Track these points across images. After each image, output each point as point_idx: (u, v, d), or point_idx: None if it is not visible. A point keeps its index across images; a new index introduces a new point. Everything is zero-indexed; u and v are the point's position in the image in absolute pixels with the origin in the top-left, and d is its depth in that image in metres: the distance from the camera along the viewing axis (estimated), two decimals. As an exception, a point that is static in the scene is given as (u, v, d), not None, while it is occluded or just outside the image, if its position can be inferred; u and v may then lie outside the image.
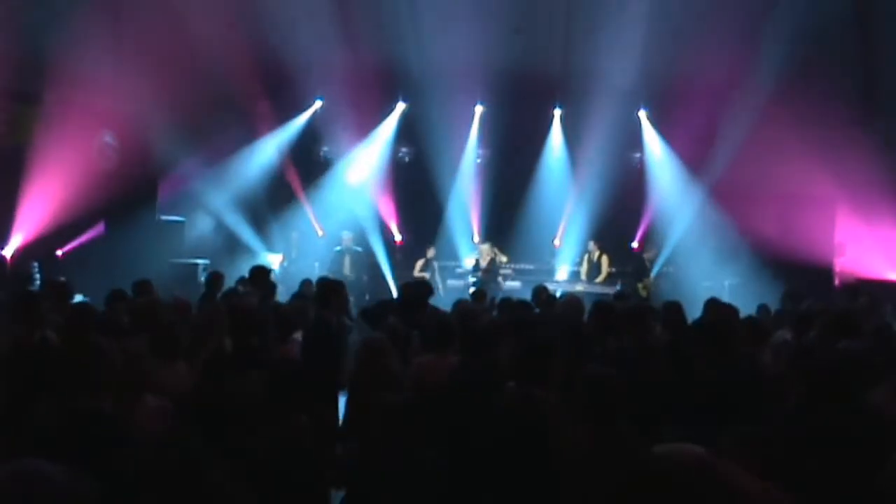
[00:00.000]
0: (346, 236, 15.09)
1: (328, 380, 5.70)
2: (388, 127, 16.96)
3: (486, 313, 7.55)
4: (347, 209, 16.39)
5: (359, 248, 15.30)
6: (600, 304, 7.20)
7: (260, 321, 5.88)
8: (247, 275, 9.20)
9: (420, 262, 15.38)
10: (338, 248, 15.04)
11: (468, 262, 15.70)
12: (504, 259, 15.28)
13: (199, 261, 13.18)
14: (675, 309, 7.08)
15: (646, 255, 15.30)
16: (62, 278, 8.70)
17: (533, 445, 3.91)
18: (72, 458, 2.89)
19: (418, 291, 8.09)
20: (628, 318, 6.21)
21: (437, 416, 4.13)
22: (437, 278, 14.94)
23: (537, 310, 8.21)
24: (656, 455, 2.81)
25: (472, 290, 11.00)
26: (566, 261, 16.21)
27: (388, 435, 3.86)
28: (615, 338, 6.09)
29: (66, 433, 3.19)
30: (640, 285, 14.53)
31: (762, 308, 9.80)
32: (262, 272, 9.03)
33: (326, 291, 7.17)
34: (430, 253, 15.45)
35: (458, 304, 7.87)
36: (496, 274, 14.84)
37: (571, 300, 7.67)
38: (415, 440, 3.84)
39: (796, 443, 3.59)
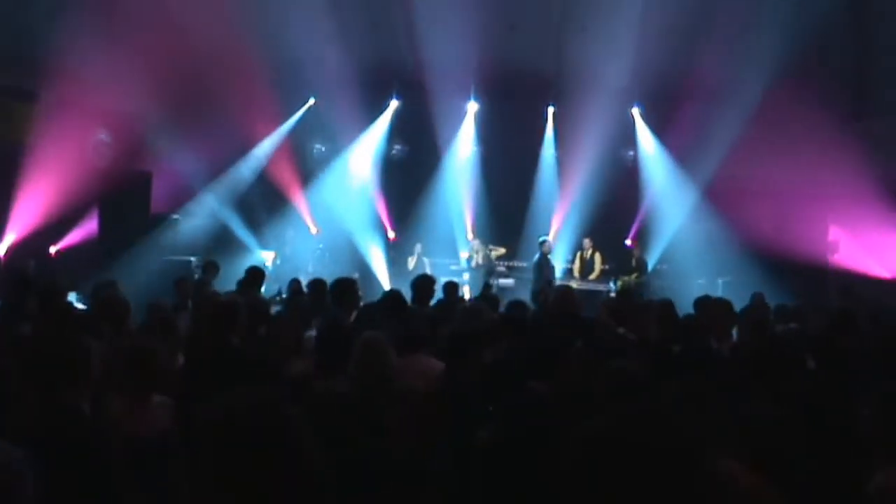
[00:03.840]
0: (546, 245, 14.79)
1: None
2: (382, 124, 16.98)
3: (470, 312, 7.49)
4: (341, 206, 16.42)
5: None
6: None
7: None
8: (243, 273, 9.19)
9: (411, 260, 15.44)
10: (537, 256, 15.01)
11: (463, 256, 15.75)
12: (502, 251, 15.24)
13: (193, 258, 13.16)
14: (667, 306, 7.12)
15: (633, 253, 15.30)
16: (51, 277, 8.68)
17: (537, 445, 3.91)
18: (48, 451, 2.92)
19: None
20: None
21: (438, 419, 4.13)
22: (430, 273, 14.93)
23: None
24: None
25: (464, 286, 10.98)
26: (560, 258, 16.23)
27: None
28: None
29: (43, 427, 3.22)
30: (619, 282, 14.56)
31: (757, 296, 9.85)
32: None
33: (340, 289, 7.22)
34: (418, 249, 15.52)
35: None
36: (490, 270, 14.85)
37: (564, 292, 7.63)
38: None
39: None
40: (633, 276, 14.65)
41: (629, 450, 2.32)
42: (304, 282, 9.75)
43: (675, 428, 2.51)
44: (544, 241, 14.41)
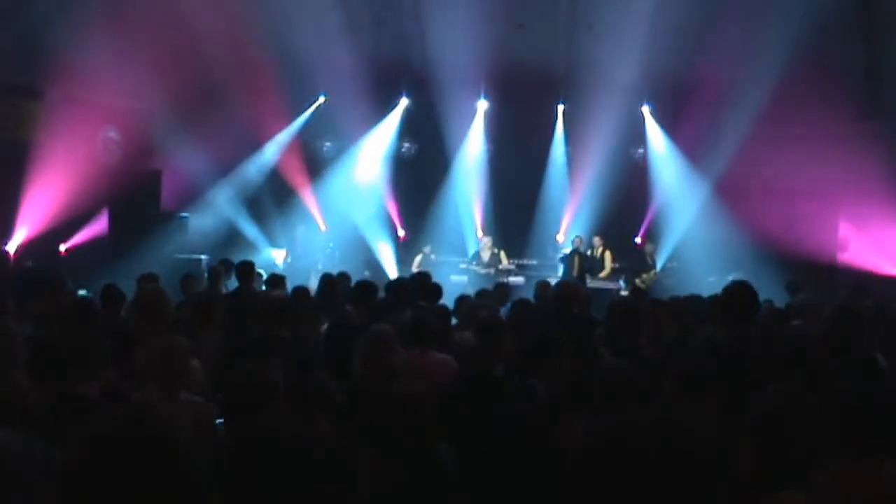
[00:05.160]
0: (578, 240, 15.06)
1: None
2: (392, 122, 16.97)
3: (486, 308, 7.44)
4: (351, 204, 16.42)
5: (586, 251, 15.14)
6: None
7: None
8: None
9: (417, 259, 15.41)
10: (565, 251, 15.17)
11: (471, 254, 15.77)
12: (506, 262, 15.25)
13: (203, 256, 13.19)
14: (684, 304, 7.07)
15: (646, 251, 15.36)
16: (57, 273, 8.68)
17: (534, 442, 3.89)
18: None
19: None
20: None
21: (443, 412, 4.10)
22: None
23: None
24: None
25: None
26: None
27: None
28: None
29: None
30: (637, 280, 14.60)
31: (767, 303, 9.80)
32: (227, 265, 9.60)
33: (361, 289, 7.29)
34: (427, 249, 15.50)
35: (461, 300, 7.86)
36: (495, 268, 14.86)
37: (565, 287, 7.46)
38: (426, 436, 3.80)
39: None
40: (652, 273, 14.76)
41: (631, 452, 2.31)
42: (313, 280, 9.74)
43: (677, 430, 2.50)
44: (578, 237, 14.99)
